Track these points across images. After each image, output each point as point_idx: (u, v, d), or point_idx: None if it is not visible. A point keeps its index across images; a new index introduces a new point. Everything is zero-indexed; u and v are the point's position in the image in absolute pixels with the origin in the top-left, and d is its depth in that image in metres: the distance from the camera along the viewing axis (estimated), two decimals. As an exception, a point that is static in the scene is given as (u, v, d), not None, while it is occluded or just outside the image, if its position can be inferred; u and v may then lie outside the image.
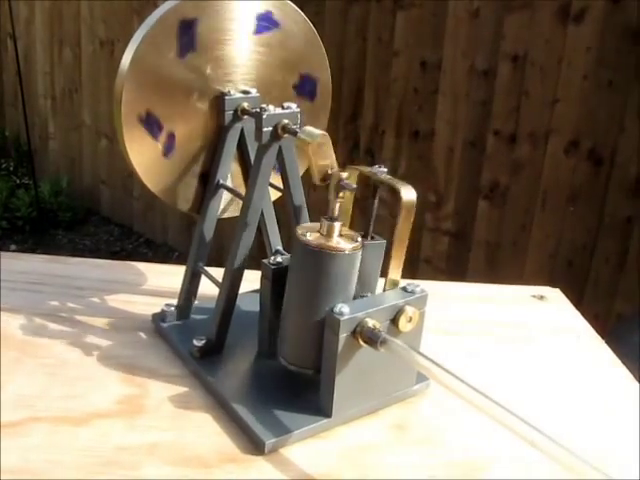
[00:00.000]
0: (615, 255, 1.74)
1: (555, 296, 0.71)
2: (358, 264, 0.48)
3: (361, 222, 0.51)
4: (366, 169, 0.49)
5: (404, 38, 1.98)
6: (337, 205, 0.48)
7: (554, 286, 0.74)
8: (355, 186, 0.48)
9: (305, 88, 0.60)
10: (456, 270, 1.99)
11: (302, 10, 0.58)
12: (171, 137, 0.54)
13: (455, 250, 2.02)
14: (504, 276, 1.90)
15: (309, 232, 0.48)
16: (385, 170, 0.49)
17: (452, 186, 1.97)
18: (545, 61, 1.74)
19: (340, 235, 0.48)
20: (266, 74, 0.58)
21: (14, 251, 2.82)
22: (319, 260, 0.46)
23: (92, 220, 3.18)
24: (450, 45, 1.90)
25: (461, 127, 1.92)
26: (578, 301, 0.71)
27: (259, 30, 0.56)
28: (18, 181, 3.41)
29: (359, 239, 0.48)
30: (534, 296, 0.70)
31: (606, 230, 1.75)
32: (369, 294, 0.50)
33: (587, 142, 1.73)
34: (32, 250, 2.84)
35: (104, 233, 3.08)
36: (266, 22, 0.56)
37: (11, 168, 3.55)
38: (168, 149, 0.54)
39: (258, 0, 0.55)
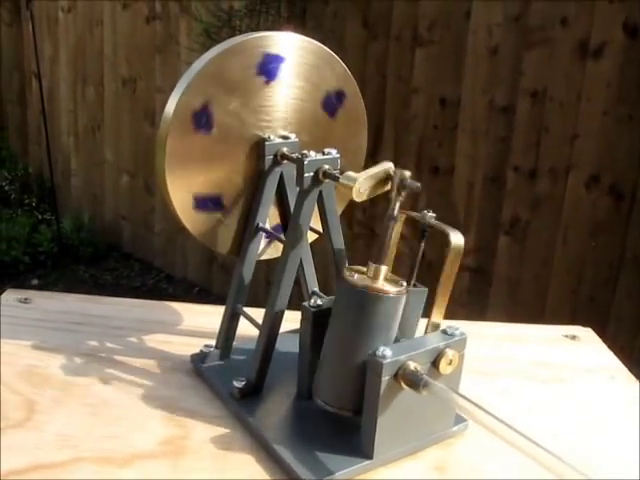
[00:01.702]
0: (637, 290, 1.73)
1: (587, 336, 0.71)
2: (401, 308, 0.48)
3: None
4: (414, 213, 0.50)
5: (423, 75, 2.00)
6: (398, 205, 0.48)
7: (576, 322, 0.74)
8: (419, 184, 0.49)
9: (332, 99, 0.61)
10: (477, 305, 1.99)
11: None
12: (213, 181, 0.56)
13: (476, 285, 2.01)
14: (525, 312, 1.90)
15: (356, 273, 0.49)
16: (434, 215, 0.50)
17: (472, 221, 1.98)
18: (564, 97, 1.76)
19: (385, 279, 0.49)
20: (302, 115, 0.59)
21: (36, 286, 2.85)
22: (365, 301, 0.47)
23: (113, 255, 3.21)
24: (469, 81, 1.92)
25: (481, 163, 1.93)
26: (601, 337, 0.71)
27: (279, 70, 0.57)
28: (40, 217, 3.45)
29: (404, 284, 0.49)
30: (566, 336, 0.70)
31: (628, 265, 1.74)
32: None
33: (608, 177, 1.73)
34: (54, 285, 2.86)
35: (125, 268, 3.11)
36: (272, 63, 0.57)
37: (34, 204, 3.59)
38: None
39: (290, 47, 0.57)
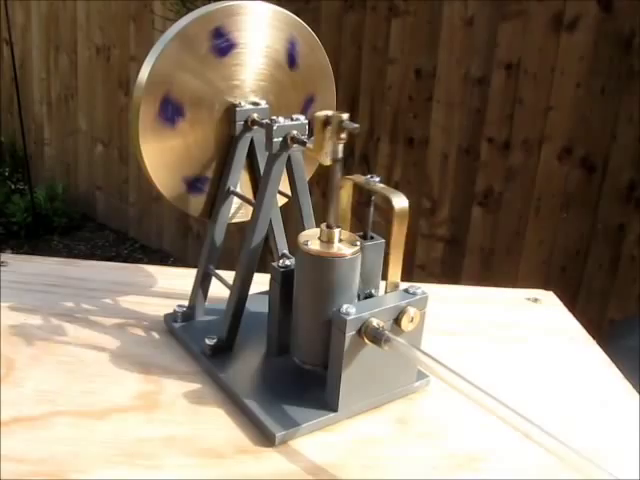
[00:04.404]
0: (608, 261, 1.77)
1: (549, 299, 0.74)
2: (359, 266, 0.50)
3: (358, 227, 0.54)
4: (360, 178, 0.52)
5: (399, 46, 2.01)
6: (340, 147, 0.49)
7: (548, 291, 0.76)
8: (357, 125, 0.48)
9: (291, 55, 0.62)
10: (450, 276, 2.02)
11: (298, 17, 0.60)
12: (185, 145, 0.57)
13: (449, 256, 2.05)
14: (498, 282, 1.92)
15: (310, 240, 0.50)
16: (378, 179, 0.51)
17: (446, 193, 2.00)
18: (539, 69, 1.78)
19: (340, 240, 0.50)
20: (275, 89, 0.60)
21: (10, 256, 2.84)
22: (321, 266, 0.49)
23: (87, 226, 3.20)
24: (444, 53, 1.93)
25: (455, 134, 1.95)
26: (571, 306, 0.73)
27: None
28: (13, 187, 3.43)
29: (358, 242, 0.50)
30: (528, 299, 0.73)
31: (599, 236, 1.78)
32: (373, 290, 0.53)
33: (580, 149, 1.76)
34: (27, 255, 2.86)
35: (99, 239, 3.10)
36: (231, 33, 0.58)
37: (7, 174, 3.57)
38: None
39: (264, 17, 0.58)
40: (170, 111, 0.55)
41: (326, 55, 0.63)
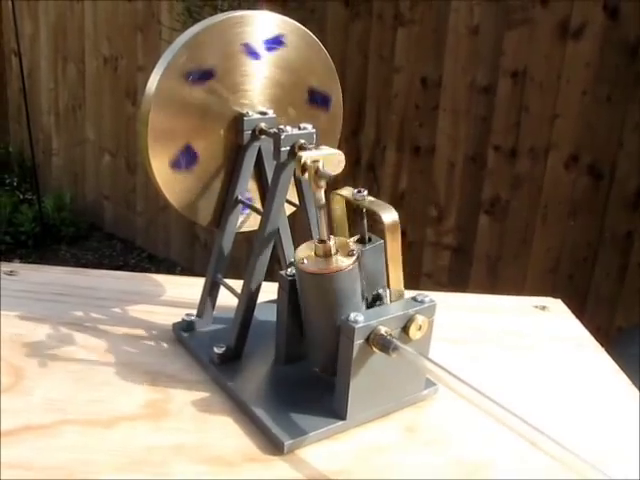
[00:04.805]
0: (615, 269, 1.77)
1: (557, 306, 0.74)
2: (359, 274, 0.50)
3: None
4: (349, 194, 0.51)
5: (405, 54, 2.02)
6: (322, 193, 0.49)
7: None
8: (332, 174, 0.49)
9: (317, 99, 0.63)
10: (457, 284, 2.02)
11: (304, 26, 0.61)
12: (193, 155, 0.57)
13: (456, 264, 2.04)
14: (505, 290, 1.92)
15: (306, 257, 0.50)
16: (366, 193, 0.50)
17: (453, 201, 2.00)
18: (545, 77, 1.78)
19: (336, 251, 0.50)
20: (281, 94, 0.61)
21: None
22: (321, 283, 0.49)
23: (95, 235, 3.21)
24: (450, 61, 1.94)
25: (462, 142, 1.96)
26: (579, 314, 0.73)
27: (269, 49, 0.59)
28: (22, 196, 3.44)
29: (355, 251, 0.50)
30: (536, 306, 0.73)
31: (606, 244, 1.77)
32: (380, 290, 0.53)
33: (587, 157, 1.76)
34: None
35: (107, 248, 3.11)
36: (276, 44, 0.59)
37: (15, 183, 3.58)
38: (190, 165, 0.58)
39: (268, 25, 0.58)
40: (179, 122, 0.56)
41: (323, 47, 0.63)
